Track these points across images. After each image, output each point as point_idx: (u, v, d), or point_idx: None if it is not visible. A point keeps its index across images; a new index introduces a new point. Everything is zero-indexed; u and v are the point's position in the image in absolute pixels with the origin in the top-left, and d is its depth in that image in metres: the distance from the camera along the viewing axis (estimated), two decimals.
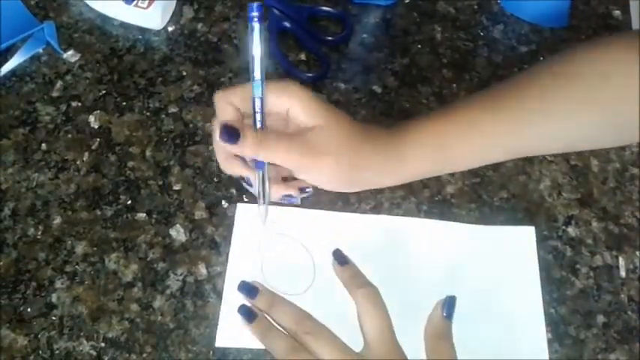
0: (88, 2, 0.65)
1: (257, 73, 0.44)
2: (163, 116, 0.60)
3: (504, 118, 0.49)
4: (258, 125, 0.45)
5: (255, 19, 0.43)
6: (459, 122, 0.49)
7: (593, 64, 0.49)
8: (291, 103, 0.45)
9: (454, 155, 0.51)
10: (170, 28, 0.65)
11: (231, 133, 0.45)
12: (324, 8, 0.66)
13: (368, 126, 0.49)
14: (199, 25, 0.65)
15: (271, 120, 0.46)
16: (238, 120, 0.46)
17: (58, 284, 0.51)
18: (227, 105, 0.46)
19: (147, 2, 0.63)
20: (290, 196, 0.49)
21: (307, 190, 0.50)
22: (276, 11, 0.65)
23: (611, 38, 0.51)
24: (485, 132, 0.50)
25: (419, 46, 0.66)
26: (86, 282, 0.52)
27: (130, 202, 0.55)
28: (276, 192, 0.49)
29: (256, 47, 0.44)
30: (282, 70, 0.63)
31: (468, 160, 0.53)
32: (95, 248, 0.53)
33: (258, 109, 0.45)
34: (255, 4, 0.43)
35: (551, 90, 0.49)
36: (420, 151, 0.49)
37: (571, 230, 0.57)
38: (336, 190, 0.49)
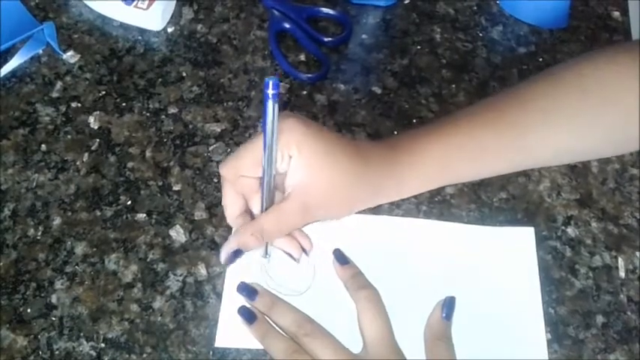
0: (87, 3, 0.65)
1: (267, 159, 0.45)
2: (163, 117, 0.60)
3: (508, 137, 0.49)
4: (266, 203, 0.47)
5: (271, 97, 0.42)
6: (461, 142, 0.49)
7: (599, 78, 0.48)
8: (295, 155, 0.46)
9: (456, 173, 0.51)
10: (170, 29, 0.65)
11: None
12: (324, 9, 0.66)
13: (368, 149, 0.49)
14: (199, 26, 0.66)
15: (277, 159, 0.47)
16: (244, 208, 0.49)
17: (57, 285, 0.51)
18: (234, 188, 0.48)
19: (146, 3, 0.63)
20: (290, 255, 0.50)
21: (307, 251, 0.51)
22: (275, 12, 0.65)
23: (617, 49, 0.50)
24: (488, 151, 0.49)
25: (418, 46, 0.66)
26: (86, 282, 0.52)
27: (129, 202, 0.55)
28: (279, 245, 0.50)
29: (270, 126, 0.43)
30: (281, 71, 0.63)
31: (470, 177, 0.53)
32: (95, 249, 0.53)
33: (265, 189, 0.47)
34: (271, 81, 0.42)
35: (556, 103, 0.49)
36: (421, 174, 0.49)
37: (570, 231, 0.57)
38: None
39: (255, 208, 0.49)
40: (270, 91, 0.42)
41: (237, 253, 0.48)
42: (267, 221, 0.47)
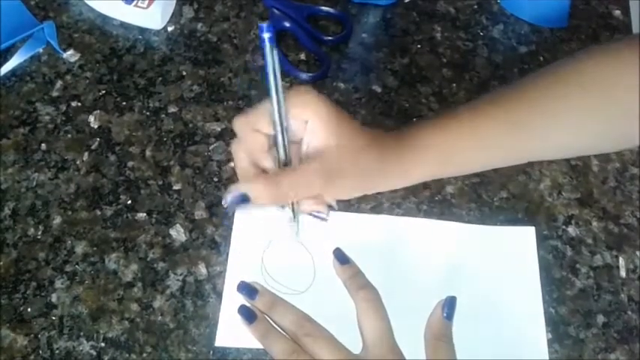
0: (87, 2, 0.65)
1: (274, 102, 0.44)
2: (163, 116, 0.60)
3: (507, 127, 0.49)
4: (282, 157, 0.46)
5: (267, 40, 0.42)
6: (461, 129, 0.49)
7: (601, 73, 0.48)
8: (311, 118, 0.45)
9: (456, 161, 0.50)
10: (170, 28, 0.65)
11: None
12: (324, 8, 0.66)
13: (375, 133, 0.49)
14: (199, 25, 0.65)
15: (292, 124, 0.46)
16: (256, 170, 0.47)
17: (58, 284, 0.51)
18: (245, 145, 0.47)
19: (147, 2, 0.63)
20: (319, 212, 0.49)
21: (334, 205, 0.50)
22: (276, 11, 0.65)
23: (619, 45, 0.50)
24: (488, 140, 0.49)
25: (419, 45, 0.66)
26: (86, 282, 0.52)
27: (130, 202, 0.55)
28: (305, 208, 0.49)
29: (271, 69, 0.43)
30: (282, 70, 0.63)
31: (470, 166, 0.53)
32: (95, 248, 0.53)
33: (280, 142, 0.45)
34: (264, 25, 0.42)
35: (557, 99, 0.49)
36: (422, 158, 0.49)
37: (571, 230, 0.57)
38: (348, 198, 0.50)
39: (267, 167, 0.47)
40: (266, 34, 0.42)
41: (243, 199, 0.44)
42: (285, 178, 0.45)
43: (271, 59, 0.43)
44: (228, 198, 0.44)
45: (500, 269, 0.54)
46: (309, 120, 0.45)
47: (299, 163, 0.47)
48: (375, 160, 0.47)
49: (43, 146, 0.57)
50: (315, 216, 0.50)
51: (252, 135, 0.46)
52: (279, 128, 0.44)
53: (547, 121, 0.49)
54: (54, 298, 0.51)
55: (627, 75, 0.47)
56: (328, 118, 0.45)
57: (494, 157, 0.52)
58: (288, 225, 0.50)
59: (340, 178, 0.46)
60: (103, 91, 0.61)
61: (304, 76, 0.62)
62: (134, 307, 0.51)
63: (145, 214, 0.55)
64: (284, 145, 0.46)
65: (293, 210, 0.49)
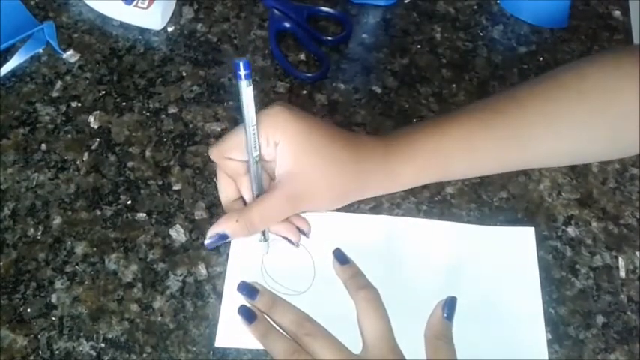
0: (87, 2, 0.65)
1: (251, 143, 0.46)
2: (163, 116, 0.60)
3: (501, 135, 0.49)
4: (255, 193, 0.48)
5: (243, 77, 0.43)
6: (454, 136, 0.48)
7: (601, 79, 0.48)
8: (280, 140, 0.46)
9: (448, 169, 0.50)
10: (170, 29, 0.65)
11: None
12: (324, 8, 0.66)
13: (358, 140, 0.49)
14: (199, 26, 0.66)
15: (263, 148, 0.47)
16: (238, 194, 0.50)
17: (58, 284, 0.51)
18: (224, 171, 0.49)
19: (147, 2, 0.63)
20: (288, 239, 0.51)
21: (306, 233, 0.52)
22: (275, 11, 0.65)
23: (619, 52, 0.50)
24: (481, 148, 0.49)
25: (418, 46, 0.66)
26: (86, 282, 0.52)
27: (129, 202, 0.55)
28: (276, 230, 0.51)
29: (248, 107, 0.45)
30: (281, 70, 0.63)
31: (464, 174, 0.53)
32: (95, 248, 0.53)
33: (252, 177, 0.48)
34: (242, 62, 0.43)
35: (555, 104, 0.48)
36: (413, 167, 0.49)
37: (571, 230, 0.57)
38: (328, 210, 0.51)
39: (245, 193, 0.50)
40: (242, 72, 0.43)
41: (221, 237, 0.48)
42: (254, 212, 0.47)
43: (245, 95, 0.44)
44: (207, 241, 0.48)
45: (500, 270, 0.54)
46: (278, 143, 0.46)
47: (270, 186, 0.48)
48: (358, 169, 0.47)
49: (43, 146, 0.57)
50: (286, 239, 0.51)
51: (226, 162, 0.49)
52: (252, 165, 0.47)
53: (543, 127, 0.48)
54: (54, 298, 0.51)
55: (628, 81, 0.47)
56: (296, 140, 0.46)
57: (487, 163, 0.51)
58: (258, 243, 0.52)
59: (309, 199, 0.47)
60: (103, 92, 0.61)
61: (304, 76, 0.62)
62: (134, 307, 0.51)
63: (144, 215, 0.55)
64: (257, 178, 0.48)
65: (263, 231, 0.51)
